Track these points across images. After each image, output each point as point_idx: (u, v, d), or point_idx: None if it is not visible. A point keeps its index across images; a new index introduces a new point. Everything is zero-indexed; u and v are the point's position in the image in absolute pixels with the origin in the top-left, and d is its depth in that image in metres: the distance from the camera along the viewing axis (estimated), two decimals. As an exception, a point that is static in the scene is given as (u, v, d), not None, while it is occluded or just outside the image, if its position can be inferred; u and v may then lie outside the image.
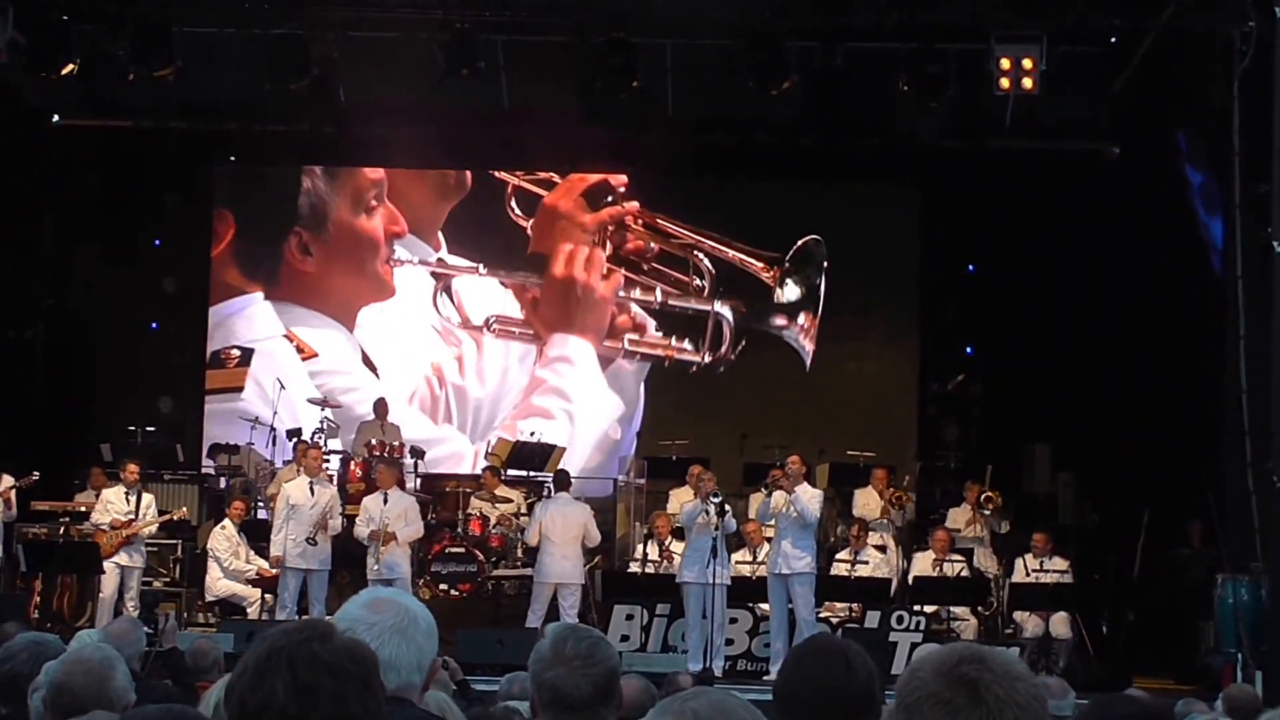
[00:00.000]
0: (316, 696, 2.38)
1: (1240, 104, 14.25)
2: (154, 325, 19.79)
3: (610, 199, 19.73)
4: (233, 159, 19.61)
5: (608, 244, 19.67)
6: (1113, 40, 16.21)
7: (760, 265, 19.35)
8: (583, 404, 19.43)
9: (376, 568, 14.81)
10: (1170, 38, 15.63)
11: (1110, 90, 16.70)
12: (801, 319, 19.16)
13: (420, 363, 19.70)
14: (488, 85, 16.63)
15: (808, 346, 19.21)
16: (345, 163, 19.56)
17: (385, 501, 15.11)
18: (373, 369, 19.59)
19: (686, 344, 19.57)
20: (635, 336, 19.61)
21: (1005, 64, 15.12)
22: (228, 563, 15.81)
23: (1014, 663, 2.23)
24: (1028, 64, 15.11)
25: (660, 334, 19.65)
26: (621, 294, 19.62)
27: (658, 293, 19.56)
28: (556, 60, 16.55)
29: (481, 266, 19.69)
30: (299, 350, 19.49)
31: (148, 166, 19.19)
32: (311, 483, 15.07)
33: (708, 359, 19.47)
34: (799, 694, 3.27)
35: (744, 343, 19.41)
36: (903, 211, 19.94)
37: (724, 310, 19.40)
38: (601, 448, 19.37)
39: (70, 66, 15.65)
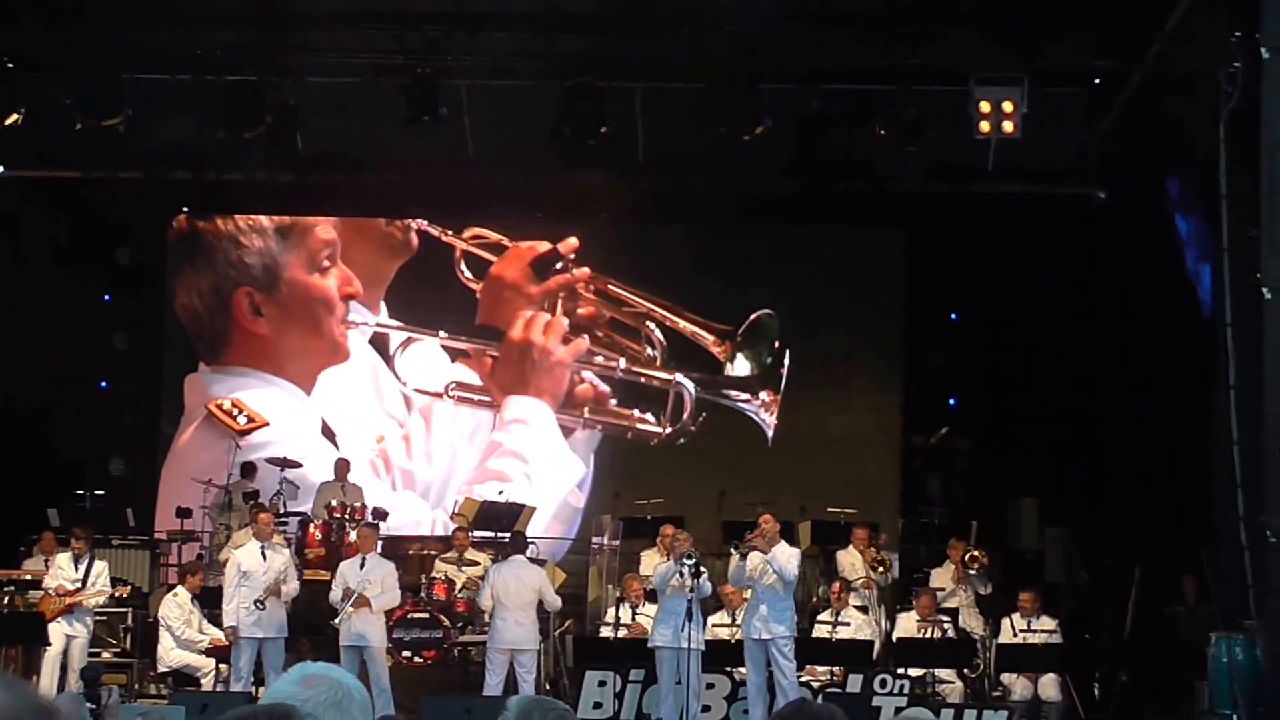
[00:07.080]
0: None
1: (1227, 146, 13.89)
2: (103, 384, 19.16)
3: (560, 266, 19.17)
4: (186, 210, 19.00)
5: (558, 311, 19.08)
6: (1096, 81, 15.83)
7: (711, 339, 18.94)
8: (540, 466, 18.79)
9: (350, 634, 14.03)
10: (1155, 79, 15.28)
11: (1095, 133, 16.34)
12: (764, 395, 18.59)
13: (369, 437, 18.99)
14: (451, 132, 16.13)
15: (770, 421, 18.63)
16: (303, 212, 18.99)
17: (362, 566, 14.43)
18: (332, 437, 18.82)
19: (649, 416, 18.99)
20: (595, 406, 19.02)
21: (985, 107, 14.82)
22: (180, 632, 15.18)
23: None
24: (1008, 107, 14.81)
25: (615, 403, 19.07)
26: (581, 362, 19.03)
27: (621, 361, 18.97)
28: (523, 106, 16.09)
29: (442, 331, 19.03)
30: (250, 419, 18.63)
31: (98, 219, 18.62)
32: (263, 547, 14.41)
33: (668, 430, 18.88)
34: None
35: (704, 415, 18.83)
36: (886, 257, 19.46)
37: (685, 383, 18.87)
38: (561, 516, 18.65)
39: (15, 116, 15.21)
